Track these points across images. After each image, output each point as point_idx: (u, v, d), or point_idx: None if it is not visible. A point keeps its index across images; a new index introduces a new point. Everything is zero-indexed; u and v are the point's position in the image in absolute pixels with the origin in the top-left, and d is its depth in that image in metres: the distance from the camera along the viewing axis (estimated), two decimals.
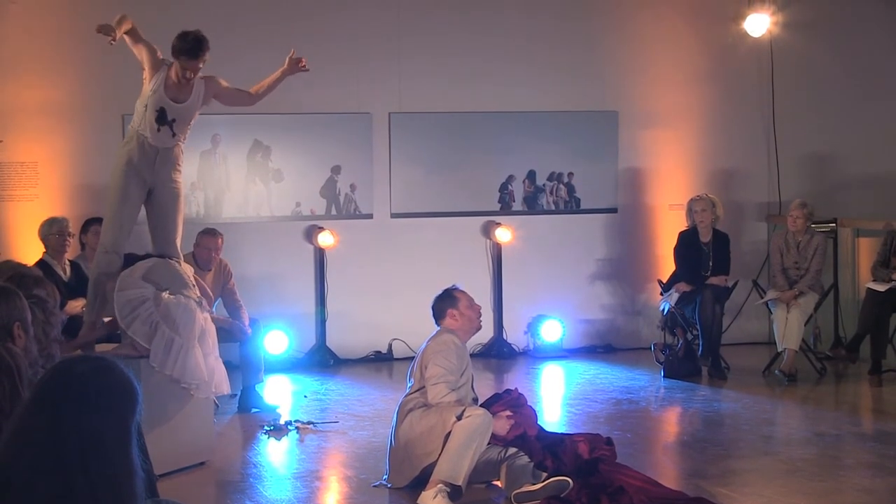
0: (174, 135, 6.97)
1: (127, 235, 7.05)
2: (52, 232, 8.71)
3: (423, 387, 6.37)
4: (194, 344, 6.74)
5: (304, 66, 7.35)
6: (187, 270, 7.18)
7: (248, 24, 10.43)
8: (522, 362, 10.73)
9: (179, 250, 7.26)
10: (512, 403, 6.43)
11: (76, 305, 7.98)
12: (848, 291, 10.57)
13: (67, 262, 8.73)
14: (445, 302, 6.60)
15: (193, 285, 7.05)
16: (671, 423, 8.70)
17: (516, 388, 6.66)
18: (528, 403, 6.60)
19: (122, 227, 7.01)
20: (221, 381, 7.02)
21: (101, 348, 7.17)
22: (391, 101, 10.74)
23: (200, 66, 6.88)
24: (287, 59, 7.34)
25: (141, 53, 6.95)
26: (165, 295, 6.76)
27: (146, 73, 6.95)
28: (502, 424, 6.24)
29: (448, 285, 6.77)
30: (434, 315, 6.63)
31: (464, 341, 6.56)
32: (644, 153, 11.42)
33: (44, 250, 8.74)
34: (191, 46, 6.81)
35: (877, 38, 11.89)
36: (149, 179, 7.01)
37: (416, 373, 6.46)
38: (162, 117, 6.89)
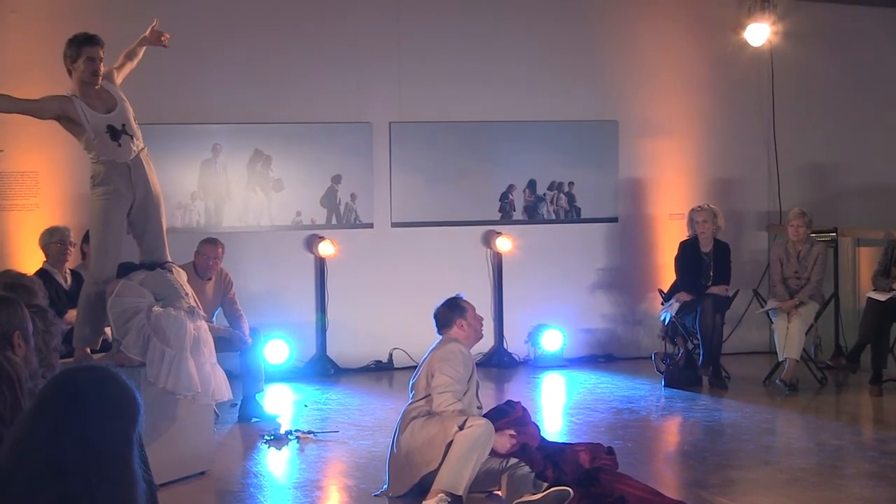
0: (132, 137, 6.96)
1: (115, 263, 7.01)
2: (53, 241, 8.70)
3: (429, 395, 6.36)
4: (186, 355, 6.72)
5: (165, 43, 7.33)
6: (181, 278, 7.16)
7: (247, 31, 10.45)
8: (523, 371, 10.73)
9: (168, 253, 7.24)
10: (517, 422, 6.41)
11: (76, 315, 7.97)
12: (848, 301, 10.56)
13: (68, 272, 8.73)
14: (454, 311, 6.59)
15: (187, 293, 7.04)
16: (672, 432, 8.69)
17: (519, 403, 6.62)
18: (532, 420, 6.58)
19: (108, 256, 6.96)
20: (220, 387, 6.99)
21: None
22: (391, 110, 10.75)
23: (102, 54, 6.84)
24: (150, 28, 7.31)
25: (42, 112, 6.89)
26: (156, 308, 6.76)
27: (67, 121, 6.85)
28: (504, 443, 6.22)
29: (449, 294, 6.76)
30: (438, 324, 6.61)
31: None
32: (644, 162, 11.43)
33: (44, 259, 8.73)
34: (85, 36, 6.84)
35: (877, 48, 11.91)
36: (129, 196, 6.95)
37: (420, 382, 6.45)
38: (114, 133, 6.85)
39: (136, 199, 7.00)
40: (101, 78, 6.88)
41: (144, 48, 7.37)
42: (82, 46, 6.82)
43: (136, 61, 7.33)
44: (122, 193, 6.94)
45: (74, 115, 6.79)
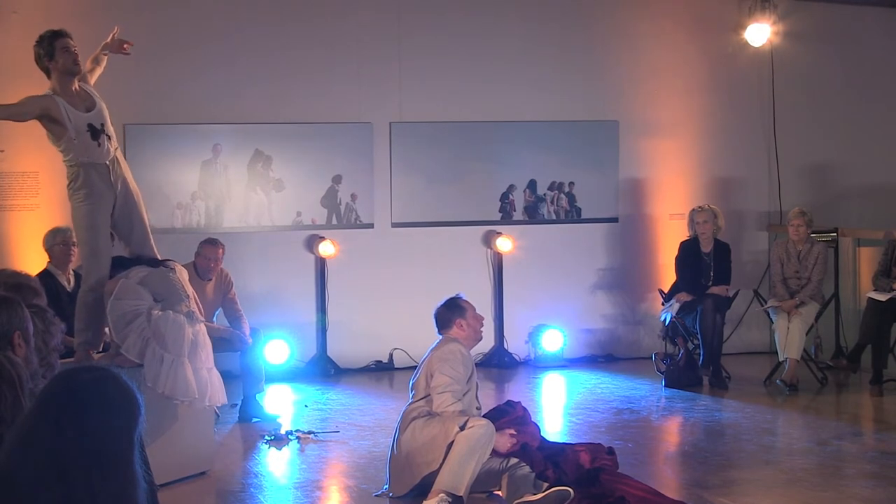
0: (110, 137, 6.91)
1: (108, 265, 6.96)
2: (56, 242, 8.69)
3: (428, 395, 6.36)
4: (184, 361, 6.71)
5: (127, 51, 7.23)
6: (183, 277, 7.14)
7: (247, 31, 10.44)
8: (523, 372, 10.73)
9: (155, 249, 7.21)
10: (517, 421, 6.41)
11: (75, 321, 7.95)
12: (849, 301, 10.56)
13: (72, 273, 8.71)
14: (453, 312, 6.59)
15: (188, 296, 7.02)
16: (672, 432, 8.69)
17: (520, 403, 6.62)
18: (533, 420, 6.58)
19: (99, 261, 6.92)
20: (216, 393, 6.98)
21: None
22: (392, 110, 10.75)
23: (73, 44, 6.78)
24: (111, 35, 7.22)
25: (22, 114, 6.82)
26: (156, 311, 6.74)
27: (49, 121, 6.76)
28: (504, 442, 6.22)
29: (449, 294, 6.77)
30: (438, 324, 6.62)
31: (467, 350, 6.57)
32: (644, 163, 11.43)
33: (48, 260, 8.73)
34: (51, 31, 6.80)
35: (877, 48, 11.91)
36: (111, 196, 6.89)
37: (420, 382, 6.45)
38: (94, 132, 6.79)
39: (117, 199, 6.94)
40: (81, 67, 6.84)
41: (108, 55, 7.27)
42: (54, 41, 6.78)
43: (102, 66, 7.26)
44: (103, 195, 6.87)
45: (57, 113, 6.71)
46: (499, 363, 10.86)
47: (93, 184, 6.84)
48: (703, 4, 11.57)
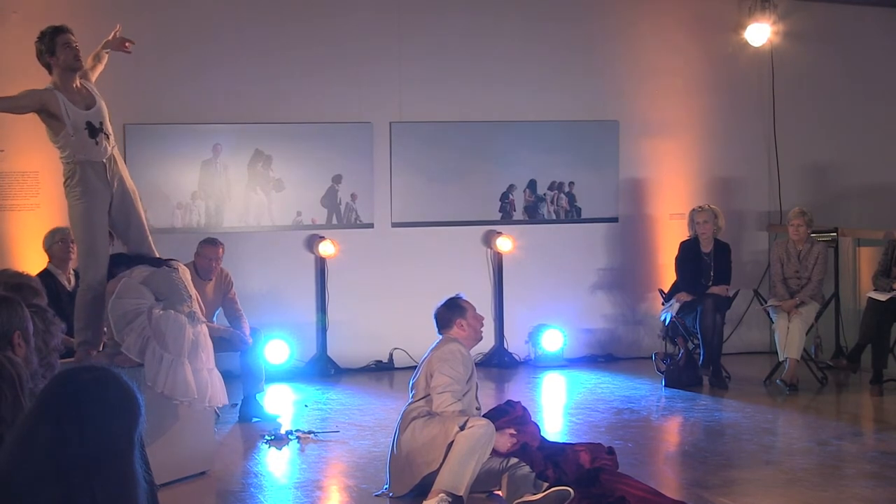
0: (108, 136, 6.88)
1: (105, 263, 6.94)
2: (55, 241, 8.69)
3: (428, 395, 6.36)
4: (184, 361, 6.70)
5: (128, 49, 7.19)
6: (185, 277, 7.13)
7: (247, 31, 10.44)
8: (523, 372, 10.73)
9: (154, 247, 7.19)
10: (517, 421, 6.42)
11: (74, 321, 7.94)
12: (849, 301, 10.56)
13: (72, 272, 8.71)
14: (454, 312, 6.59)
15: (190, 296, 7.01)
16: (672, 432, 8.69)
17: (520, 403, 6.63)
18: (532, 420, 6.58)
19: (97, 259, 6.89)
20: (217, 394, 6.97)
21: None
22: (392, 110, 10.75)
23: (75, 39, 6.75)
24: (113, 33, 7.19)
25: (19, 107, 6.80)
26: (157, 311, 6.74)
27: (47, 115, 6.72)
28: (504, 442, 6.23)
29: (450, 294, 6.77)
30: (438, 324, 6.62)
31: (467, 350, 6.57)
32: (645, 163, 11.43)
33: (48, 260, 8.72)
34: (53, 27, 6.77)
35: (877, 48, 11.91)
36: (107, 194, 6.85)
37: (419, 382, 6.45)
38: (93, 130, 6.75)
39: (114, 197, 6.90)
40: (82, 63, 6.83)
41: (109, 53, 7.24)
42: (55, 37, 6.74)
43: (103, 64, 7.22)
44: (100, 192, 6.84)
45: (55, 108, 6.68)
46: (499, 363, 10.86)
47: (89, 181, 6.81)
48: (703, 4, 11.57)
